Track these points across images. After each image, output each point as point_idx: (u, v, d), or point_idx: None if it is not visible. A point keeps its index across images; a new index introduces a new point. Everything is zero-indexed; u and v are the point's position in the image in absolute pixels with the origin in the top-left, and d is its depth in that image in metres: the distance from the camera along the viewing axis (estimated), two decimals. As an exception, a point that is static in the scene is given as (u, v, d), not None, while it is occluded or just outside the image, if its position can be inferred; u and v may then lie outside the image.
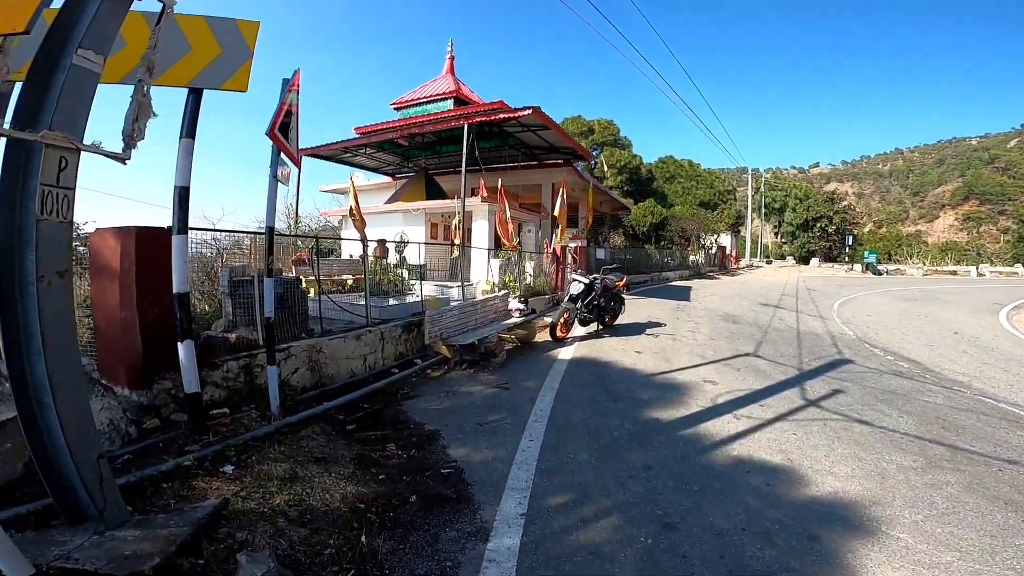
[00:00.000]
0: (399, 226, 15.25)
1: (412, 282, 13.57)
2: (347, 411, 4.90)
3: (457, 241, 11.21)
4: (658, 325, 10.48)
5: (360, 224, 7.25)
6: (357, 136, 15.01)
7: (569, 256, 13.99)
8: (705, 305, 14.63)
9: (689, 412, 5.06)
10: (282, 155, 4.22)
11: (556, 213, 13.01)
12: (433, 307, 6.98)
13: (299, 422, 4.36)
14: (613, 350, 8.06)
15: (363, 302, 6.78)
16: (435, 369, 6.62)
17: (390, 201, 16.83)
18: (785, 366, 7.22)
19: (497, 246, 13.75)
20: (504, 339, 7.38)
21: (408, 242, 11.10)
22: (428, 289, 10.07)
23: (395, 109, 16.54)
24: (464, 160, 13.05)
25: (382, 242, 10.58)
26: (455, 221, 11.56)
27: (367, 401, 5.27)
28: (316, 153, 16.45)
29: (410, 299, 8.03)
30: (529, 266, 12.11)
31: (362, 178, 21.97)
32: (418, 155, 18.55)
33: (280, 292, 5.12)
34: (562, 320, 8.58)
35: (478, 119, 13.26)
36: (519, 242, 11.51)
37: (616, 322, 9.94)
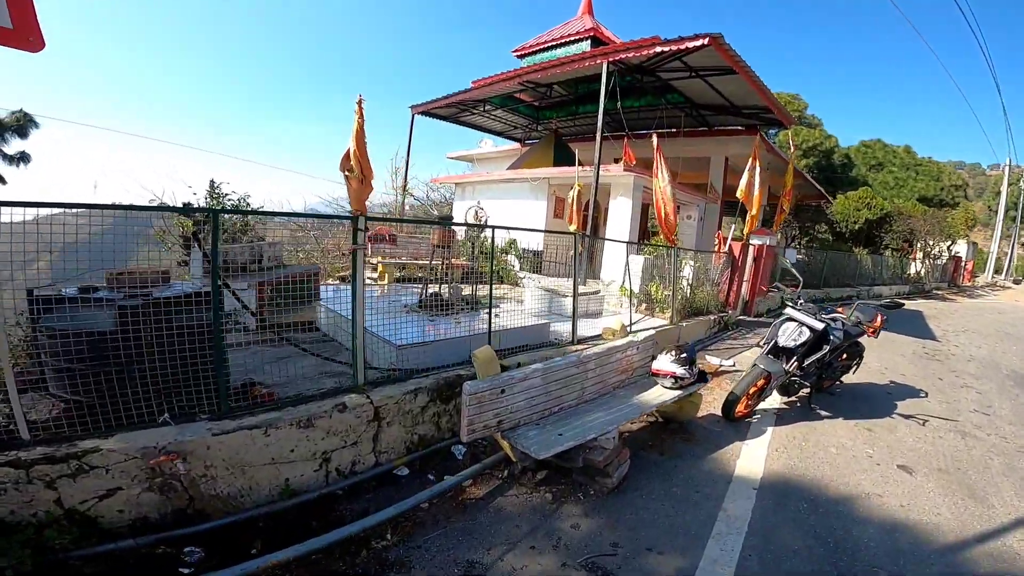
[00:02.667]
0: (514, 199, 12.13)
1: (521, 275, 10.39)
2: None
3: (573, 227, 7.59)
4: (910, 391, 5.86)
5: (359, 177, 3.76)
6: (471, 88, 12.12)
7: (750, 258, 9.43)
8: (968, 350, 8.98)
9: None
10: None
11: (743, 194, 8.55)
12: (486, 371, 3.44)
13: None
14: (847, 456, 4.03)
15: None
16: (482, 481, 3.30)
17: (510, 169, 13.77)
18: None
19: (642, 237, 9.82)
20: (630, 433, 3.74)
21: (485, 223, 7.54)
22: (533, 303, 6.71)
23: (517, 57, 13.26)
24: (600, 113, 9.24)
25: (442, 229, 7.49)
26: (573, 193, 7.89)
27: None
28: (429, 111, 14.01)
29: (500, 318, 4.72)
30: (687, 269, 8.05)
31: (490, 145, 19.41)
32: (550, 116, 15.13)
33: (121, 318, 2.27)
34: (751, 392, 4.69)
35: (621, 55, 9.26)
36: (676, 234, 7.53)
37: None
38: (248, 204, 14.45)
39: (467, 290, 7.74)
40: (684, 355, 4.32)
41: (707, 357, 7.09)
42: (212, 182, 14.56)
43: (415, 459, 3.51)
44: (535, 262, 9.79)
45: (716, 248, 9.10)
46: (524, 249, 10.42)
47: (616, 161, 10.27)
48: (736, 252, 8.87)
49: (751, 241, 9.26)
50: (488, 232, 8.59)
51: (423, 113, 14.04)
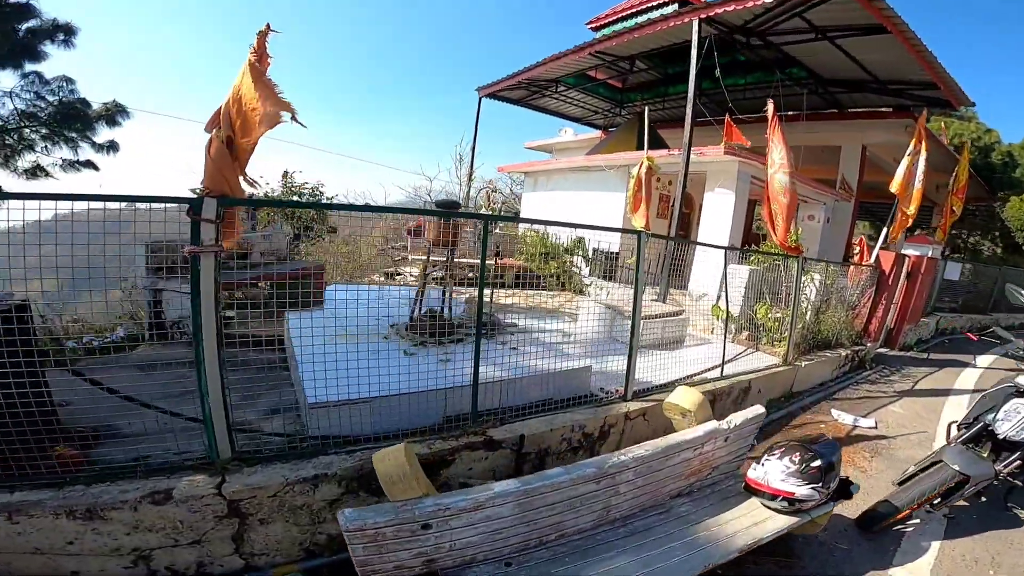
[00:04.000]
0: (591, 191, 10.38)
1: (588, 282, 8.63)
2: None
3: (639, 222, 5.63)
4: None
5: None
6: (538, 64, 10.52)
7: (903, 273, 6.88)
8: None
9: None
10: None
11: (899, 188, 6.13)
12: (398, 490, 1.82)
13: None
14: None
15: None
16: None
17: (589, 155, 12.00)
18: None
19: (747, 241, 7.70)
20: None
21: (497, 213, 5.37)
22: (589, 323, 5.07)
23: (592, 29, 11.37)
24: (693, 78, 7.20)
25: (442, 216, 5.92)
26: (638, 171, 5.89)
27: None
28: (497, 93, 12.59)
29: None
30: (810, 288, 5.82)
31: (571, 134, 17.70)
32: (634, 99, 13.08)
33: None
34: (918, 504, 2.75)
35: (717, 9, 7.07)
36: (797, 238, 5.37)
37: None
38: (322, 194, 14.22)
39: (507, 298, 6.25)
40: (815, 460, 2.47)
41: (833, 412, 5.00)
42: (285, 172, 14.49)
43: (322, 566, 2.16)
44: (607, 267, 8.06)
45: (856, 258, 6.69)
46: (594, 250, 8.68)
47: (725, 144, 8.15)
48: (886, 265, 6.44)
49: (906, 251, 6.73)
50: (564, 232, 7.29)
51: (491, 96, 12.71)
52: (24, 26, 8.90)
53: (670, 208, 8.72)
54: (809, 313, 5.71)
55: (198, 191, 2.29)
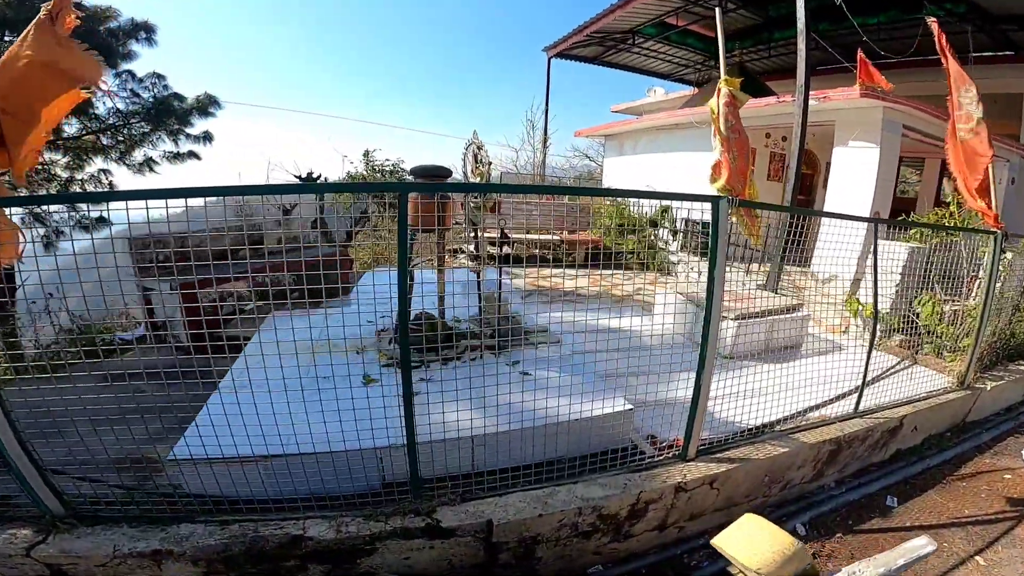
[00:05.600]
0: (683, 151, 8.77)
1: (675, 259, 7.17)
2: None
3: (716, 182, 3.33)
4: None
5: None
6: (608, 11, 8.92)
7: None
8: None
9: None
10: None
11: None
12: None
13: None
14: None
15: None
16: None
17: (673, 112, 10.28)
18: None
19: (894, 213, 5.89)
20: None
21: (482, 181, 3.65)
22: (664, 323, 3.88)
23: None
24: (801, 13, 5.36)
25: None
26: (715, 102, 3.03)
27: None
28: (567, 52, 11.17)
29: None
30: (1005, 276, 3.99)
31: (661, 93, 15.71)
32: (731, 48, 10.95)
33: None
34: None
35: None
36: (996, 203, 3.61)
37: None
38: (404, 171, 14.14)
39: (568, 280, 5.21)
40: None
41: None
42: (366, 151, 14.63)
43: None
44: (700, 240, 6.52)
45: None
46: (685, 220, 7.15)
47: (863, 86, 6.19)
48: None
49: None
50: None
51: (561, 55, 11.37)
52: (103, 27, 9.49)
53: (784, 168, 6.97)
54: (1004, 311, 3.94)
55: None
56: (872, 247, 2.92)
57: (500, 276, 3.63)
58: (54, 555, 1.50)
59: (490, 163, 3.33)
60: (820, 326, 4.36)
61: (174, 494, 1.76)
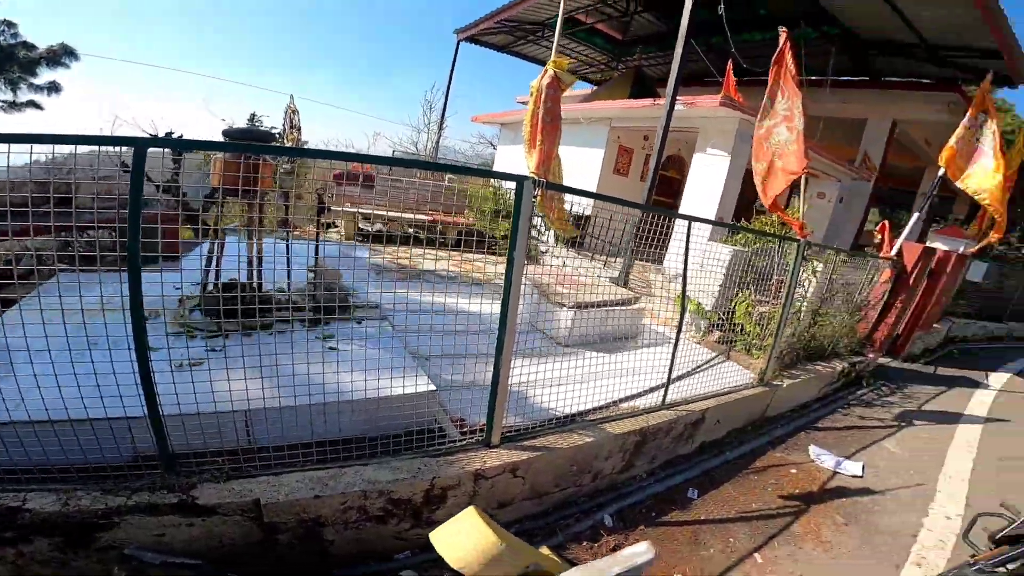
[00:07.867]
0: (576, 147, 8.84)
1: (544, 249, 7.23)
2: None
3: (529, 160, 3.61)
4: None
5: None
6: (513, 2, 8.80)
7: (926, 270, 5.50)
8: None
9: None
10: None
11: (945, 160, 4.69)
12: None
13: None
14: None
15: None
16: None
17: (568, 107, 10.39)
18: None
19: (741, 217, 6.36)
20: None
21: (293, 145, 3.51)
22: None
23: None
24: (685, 21, 5.60)
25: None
26: (537, 83, 3.54)
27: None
28: (477, 37, 10.85)
29: None
30: (809, 281, 4.46)
31: (567, 91, 15.86)
32: (633, 53, 11.36)
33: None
34: None
35: None
36: (801, 214, 4.00)
37: None
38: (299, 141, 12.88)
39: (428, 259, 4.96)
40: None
41: (812, 450, 3.78)
42: (252, 115, 13.09)
43: None
44: (580, 234, 6.61)
45: (879, 246, 5.26)
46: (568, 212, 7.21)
47: (727, 94, 6.57)
48: (910, 260, 5.05)
49: (937, 244, 5.34)
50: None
51: (472, 40, 10.97)
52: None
53: (651, 169, 7.28)
54: (804, 314, 4.38)
55: None
56: (685, 245, 2.98)
57: (319, 246, 3.25)
58: None
59: (299, 127, 3.03)
60: (657, 319, 4.55)
61: None
